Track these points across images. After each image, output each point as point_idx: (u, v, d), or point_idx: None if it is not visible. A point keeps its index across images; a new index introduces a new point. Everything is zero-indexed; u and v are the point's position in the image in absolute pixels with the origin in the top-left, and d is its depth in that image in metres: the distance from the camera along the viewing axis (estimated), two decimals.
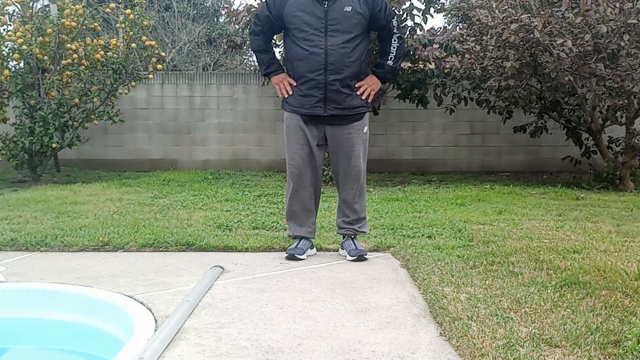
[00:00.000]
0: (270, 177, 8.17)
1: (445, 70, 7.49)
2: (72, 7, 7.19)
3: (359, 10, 3.16)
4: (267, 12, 3.28)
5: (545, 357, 1.85)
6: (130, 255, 3.42)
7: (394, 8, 7.00)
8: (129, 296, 2.53)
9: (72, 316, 2.52)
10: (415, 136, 9.29)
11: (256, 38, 3.36)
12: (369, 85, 3.28)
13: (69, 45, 7.21)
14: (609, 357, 1.85)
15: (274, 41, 8.24)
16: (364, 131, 3.32)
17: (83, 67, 7.44)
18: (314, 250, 3.46)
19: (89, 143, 8.68)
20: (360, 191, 3.38)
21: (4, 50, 7.00)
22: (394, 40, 3.29)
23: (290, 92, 3.28)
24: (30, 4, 7.25)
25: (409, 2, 7.22)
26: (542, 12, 6.49)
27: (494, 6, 6.64)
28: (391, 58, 3.30)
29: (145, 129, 9.33)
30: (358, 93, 3.25)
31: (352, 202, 3.37)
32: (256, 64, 14.64)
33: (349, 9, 3.14)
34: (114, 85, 7.53)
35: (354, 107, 3.25)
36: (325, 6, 3.15)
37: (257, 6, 7.41)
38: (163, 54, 8.32)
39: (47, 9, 9.91)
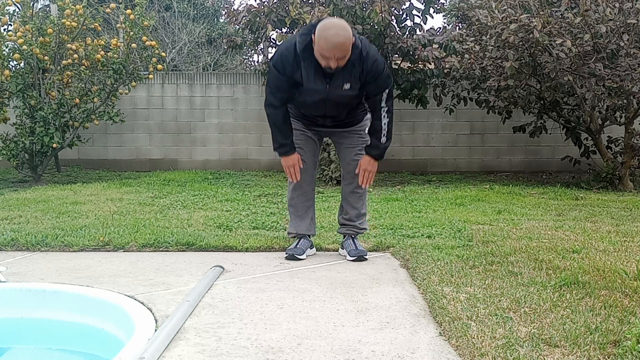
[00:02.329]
0: (270, 177, 8.18)
1: (445, 71, 7.50)
2: (73, 7, 7.19)
3: (356, 87, 3.09)
4: (281, 76, 3.06)
5: (545, 357, 1.86)
6: (130, 255, 3.43)
7: (393, 8, 7.02)
8: (129, 296, 2.54)
9: (73, 316, 2.52)
10: (414, 136, 9.29)
11: (276, 112, 3.15)
12: (366, 169, 3.24)
13: (69, 45, 7.22)
14: (609, 357, 1.85)
15: (273, 41, 8.28)
16: (366, 131, 3.33)
17: (83, 67, 7.45)
18: (314, 249, 3.47)
19: (89, 143, 8.70)
20: (363, 189, 3.40)
21: (4, 50, 7.01)
22: (384, 117, 3.15)
23: (299, 178, 3.26)
24: (31, 4, 7.25)
25: (408, 2, 7.24)
26: (541, 12, 6.49)
27: (494, 6, 6.65)
28: (384, 135, 3.18)
29: (146, 129, 9.34)
30: (359, 182, 3.27)
31: (352, 195, 3.38)
32: (256, 63, 14.68)
33: (347, 86, 3.06)
34: (115, 86, 7.53)
35: (354, 122, 3.32)
36: (327, 87, 3.06)
37: (257, 6, 7.42)
38: (163, 54, 8.32)
39: (48, 9, 9.92)
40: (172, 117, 9.33)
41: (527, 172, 9.16)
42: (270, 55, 11.22)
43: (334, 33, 2.84)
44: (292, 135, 3.23)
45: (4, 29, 7.18)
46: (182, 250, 3.54)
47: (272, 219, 4.48)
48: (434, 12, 7.56)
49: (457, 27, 9.89)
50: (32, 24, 7.01)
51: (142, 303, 2.44)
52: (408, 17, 7.39)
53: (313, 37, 2.92)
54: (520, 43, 6.51)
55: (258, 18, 7.30)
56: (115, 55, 7.46)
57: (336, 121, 3.28)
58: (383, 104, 3.14)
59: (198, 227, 4.11)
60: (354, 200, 3.40)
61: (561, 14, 6.58)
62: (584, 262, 3.04)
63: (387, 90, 3.12)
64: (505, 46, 6.61)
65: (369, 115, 3.32)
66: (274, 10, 7.20)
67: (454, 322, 2.14)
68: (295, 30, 7.21)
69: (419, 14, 7.33)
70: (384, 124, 3.16)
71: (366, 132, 3.32)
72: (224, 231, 3.99)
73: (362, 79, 3.03)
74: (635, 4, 6.23)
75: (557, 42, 6.17)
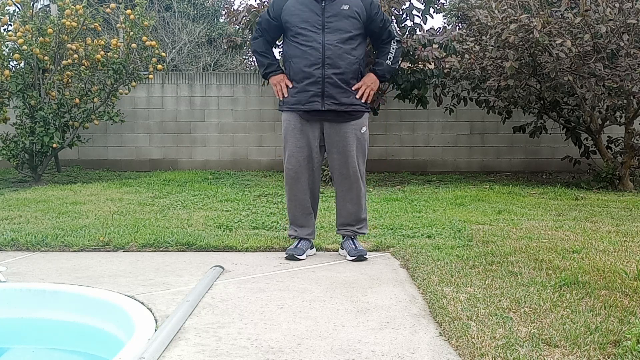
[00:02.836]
0: (270, 177, 8.18)
1: (445, 71, 7.49)
2: (73, 7, 7.19)
3: (356, 9, 3.19)
4: (266, 15, 3.34)
5: (545, 357, 1.86)
6: (130, 255, 3.43)
7: (393, 8, 7.02)
8: (129, 296, 2.54)
9: (73, 316, 2.52)
10: (414, 136, 9.29)
11: (256, 41, 3.38)
12: (367, 85, 3.27)
13: (69, 45, 7.22)
14: (609, 357, 1.85)
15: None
16: (362, 131, 3.30)
17: (83, 67, 7.45)
18: (314, 250, 3.47)
19: (89, 143, 8.70)
20: (358, 192, 3.36)
21: (4, 50, 7.01)
22: (393, 42, 3.33)
23: (286, 94, 3.29)
24: (31, 4, 7.25)
25: (408, 2, 7.23)
26: (541, 12, 6.49)
27: (494, 6, 6.65)
28: (390, 58, 3.31)
29: (146, 129, 9.34)
30: (357, 96, 3.25)
31: (351, 203, 3.37)
32: (256, 64, 14.70)
33: (346, 7, 3.17)
34: (115, 86, 7.54)
35: (352, 104, 3.24)
36: (323, 4, 3.18)
37: (257, 6, 7.42)
38: (163, 54, 8.32)
39: (48, 9, 9.92)
40: (172, 117, 9.33)
41: (527, 172, 9.17)
42: None
43: None
44: (276, 61, 3.35)
45: (4, 29, 7.18)
46: (182, 250, 3.54)
47: (272, 219, 4.48)
48: (434, 12, 7.56)
49: (457, 27, 9.89)
50: (32, 24, 7.01)
51: (142, 303, 2.44)
52: (408, 17, 7.39)
53: None
54: (520, 43, 6.51)
55: (258, 18, 7.30)
56: (115, 55, 7.47)
57: (336, 87, 3.18)
58: (394, 34, 3.33)
59: (198, 227, 4.11)
60: (351, 202, 3.36)
61: (561, 14, 6.59)
62: (584, 262, 3.04)
63: (392, 24, 3.40)
64: (505, 46, 6.61)
65: (367, 114, 3.32)
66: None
67: (454, 322, 2.14)
68: None
69: (419, 14, 7.33)
70: (392, 48, 3.32)
71: (363, 131, 3.30)
72: (224, 231, 3.99)
73: (367, 8, 3.21)
74: (635, 4, 6.23)
75: (557, 42, 6.17)
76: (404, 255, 3.30)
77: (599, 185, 6.93)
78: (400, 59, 3.35)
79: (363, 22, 3.22)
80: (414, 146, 9.31)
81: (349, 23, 3.18)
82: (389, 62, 3.32)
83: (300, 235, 3.40)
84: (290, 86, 3.28)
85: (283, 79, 3.30)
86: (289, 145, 3.31)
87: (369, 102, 3.32)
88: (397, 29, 7.35)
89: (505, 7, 6.57)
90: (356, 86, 3.25)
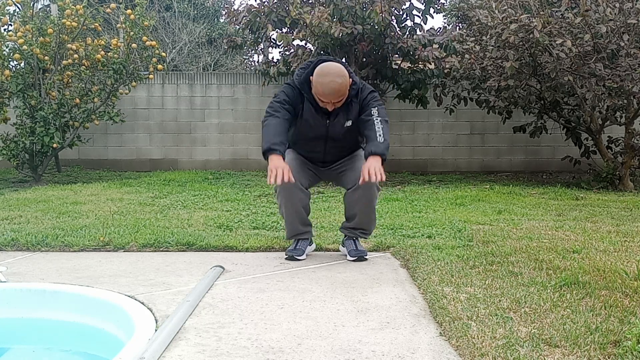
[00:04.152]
0: None
1: (445, 71, 7.50)
2: (73, 7, 7.20)
3: (356, 121, 3.11)
4: (284, 96, 3.10)
5: (545, 357, 1.85)
6: (130, 255, 3.43)
7: (393, 8, 7.02)
8: (129, 296, 2.54)
9: (73, 316, 2.52)
10: (415, 136, 9.30)
11: (270, 117, 3.06)
12: (373, 167, 2.93)
13: (69, 45, 7.22)
14: (609, 357, 1.85)
15: (273, 41, 8.28)
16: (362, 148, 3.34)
17: (84, 67, 7.45)
18: (313, 246, 3.47)
19: (89, 143, 8.70)
20: (375, 194, 3.23)
21: (4, 50, 7.01)
22: (377, 123, 3.04)
23: (279, 182, 2.94)
24: (31, 4, 7.26)
25: (409, 2, 7.24)
26: (541, 12, 6.49)
27: (494, 6, 6.65)
28: (380, 135, 3.02)
29: (146, 129, 9.34)
30: (366, 178, 2.93)
31: (361, 200, 3.22)
32: (256, 63, 14.68)
33: (349, 123, 3.09)
34: (115, 86, 7.54)
35: (351, 149, 3.34)
36: (327, 122, 3.12)
37: (257, 6, 7.42)
38: (163, 54, 8.33)
39: (48, 9, 9.92)
40: (172, 117, 9.34)
41: (528, 172, 9.17)
42: (270, 56, 11.26)
43: (330, 80, 2.90)
44: (285, 140, 3.04)
45: (5, 29, 7.18)
46: (183, 250, 3.54)
47: (272, 219, 4.48)
48: (434, 12, 7.57)
49: (458, 27, 9.90)
50: (33, 24, 7.01)
51: (142, 303, 2.44)
52: (408, 17, 7.39)
53: (311, 78, 2.96)
54: (521, 43, 6.51)
55: (258, 18, 7.30)
56: (115, 55, 7.47)
57: (335, 156, 3.32)
58: (375, 116, 3.06)
59: (198, 227, 4.11)
60: (362, 208, 3.24)
61: (561, 14, 6.59)
62: (584, 262, 3.04)
63: (377, 108, 3.08)
64: (505, 46, 6.62)
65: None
66: (274, 10, 7.21)
67: (454, 322, 2.14)
68: (296, 30, 7.22)
69: (419, 14, 7.34)
70: (379, 127, 3.03)
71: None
72: (224, 231, 3.99)
73: (360, 106, 3.10)
74: (636, 4, 6.23)
75: (557, 42, 6.17)
76: (404, 255, 3.30)
77: (599, 185, 6.93)
78: (388, 132, 3.14)
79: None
80: (414, 146, 9.31)
81: (349, 135, 3.19)
82: (380, 138, 3.02)
83: (299, 236, 3.37)
84: (290, 175, 2.98)
85: (284, 166, 2.92)
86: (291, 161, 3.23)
87: (382, 179, 2.97)
88: (398, 29, 7.36)
89: (506, 7, 6.57)
90: (361, 180, 3.01)
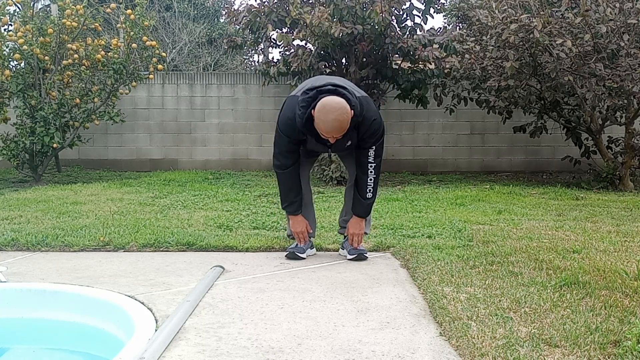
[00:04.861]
0: (271, 177, 8.18)
1: (445, 71, 7.50)
2: (73, 7, 7.19)
3: (356, 141, 3.12)
4: (284, 136, 3.13)
5: (545, 357, 1.85)
6: (130, 255, 3.43)
7: (394, 8, 7.02)
8: (129, 296, 2.54)
9: (73, 316, 2.52)
10: (415, 136, 9.29)
11: (285, 172, 3.20)
12: (356, 234, 3.28)
13: (69, 45, 7.22)
14: (609, 357, 1.85)
15: (273, 41, 8.28)
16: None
17: (84, 67, 7.45)
18: (314, 250, 3.47)
19: (89, 143, 8.70)
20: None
21: (5, 50, 7.01)
22: (371, 172, 3.16)
23: (306, 241, 3.34)
24: (31, 4, 7.26)
25: (409, 2, 7.24)
26: (541, 12, 6.49)
27: (494, 6, 6.65)
28: (369, 191, 3.20)
29: (146, 129, 9.34)
30: (350, 243, 3.30)
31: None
32: (256, 63, 14.69)
33: (349, 143, 3.11)
34: (115, 86, 7.54)
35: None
36: (329, 149, 3.16)
37: (257, 6, 7.42)
38: (164, 54, 8.32)
39: (48, 9, 9.93)
40: (172, 117, 9.34)
41: (528, 172, 9.17)
42: (270, 56, 11.25)
43: (332, 118, 2.87)
44: (301, 194, 3.28)
45: (5, 29, 7.18)
46: (183, 250, 3.54)
47: (272, 219, 4.48)
48: (434, 12, 7.56)
49: (458, 27, 9.90)
50: (33, 24, 7.01)
51: (142, 303, 2.44)
52: (408, 17, 7.39)
53: (312, 112, 2.93)
54: (521, 43, 6.51)
55: (258, 18, 7.30)
56: (115, 55, 7.47)
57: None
58: (371, 160, 3.14)
59: (198, 227, 4.11)
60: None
61: (561, 14, 6.59)
62: (584, 262, 3.04)
63: (375, 146, 3.13)
64: (505, 46, 6.62)
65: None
66: (275, 10, 7.21)
67: (454, 322, 2.14)
68: (296, 30, 7.22)
69: (419, 14, 7.34)
70: (370, 179, 3.17)
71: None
72: (224, 231, 3.99)
73: (361, 136, 3.09)
74: (636, 4, 6.23)
75: (557, 42, 6.17)
76: (404, 255, 3.30)
77: (599, 185, 6.93)
78: (378, 182, 3.21)
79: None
80: (414, 146, 9.31)
81: (350, 148, 3.20)
82: (369, 194, 3.19)
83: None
84: (311, 231, 3.38)
85: (306, 226, 3.31)
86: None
87: (359, 245, 3.32)
88: (398, 29, 7.36)
89: (506, 7, 6.57)
90: (347, 233, 3.32)
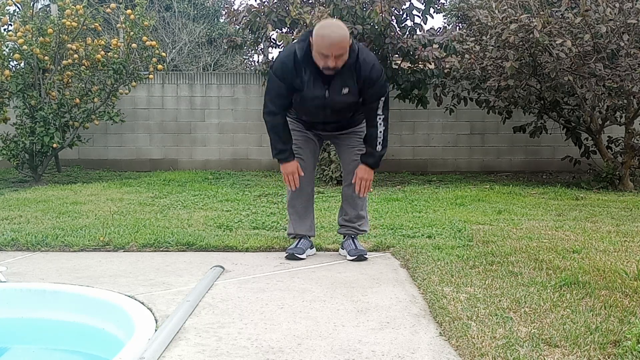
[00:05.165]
0: (271, 177, 8.18)
1: (445, 71, 7.50)
2: (73, 7, 7.19)
3: (354, 92, 3.10)
4: (277, 80, 3.10)
5: (545, 357, 1.86)
6: (130, 255, 3.43)
7: (394, 8, 7.02)
8: (129, 296, 2.54)
9: (73, 316, 2.52)
10: (415, 136, 9.29)
11: (274, 118, 3.17)
12: (364, 179, 3.23)
13: (69, 45, 7.22)
14: (609, 357, 1.85)
15: (273, 41, 8.27)
16: (362, 139, 3.34)
17: (84, 67, 7.45)
18: (314, 250, 3.47)
19: (89, 143, 8.70)
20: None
21: (4, 50, 7.01)
22: (380, 124, 3.16)
23: (298, 185, 3.24)
24: (31, 4, 7.25)
25: (409, 2, 7.24)
26: (541, 12, 6.49)
27: (494, 6, 6.65)
28: (379, 144, 3.19)
29: (146, 129, 9.34)
30: (356, 191, 3.26)
31: (353, 196, 3.36)
32: (256, 63, 14.69)
33: (345, 90, 3.08)
34: (115, 86, 7.54)
35: (352, 125, 3.33)
36: (326, 93, 3.08)
37: (257, 6, 7.42)
38: (163, 54, 8.33)
39: (48, 9, 9.92)
40: (172, 117, 9.33)
41: (528, 172, 9.16)
42: (270, 56, 11.25)
43: (331, 31, 2.90)
44: (292, 141, 3.23)
45: (4, 29, 7.18)
46: (183, 250, 3.54)
47: (272, 219, 4.48)
48: (434, 12, 7.56)
49: (457, 27, 9.91)
50: (33, 24, 7.01)
51: (142, 303, 2.44)
52: (408, 17, 7.39)
53: (311, 39, 2.96)
54: (521, 43, 6.51)
55: (258, 18, 7.30)
56: (115, 55, 7.47)
57: (336, 126, 3.32)
58: (379, 112, 3.15)
59: (198, 227, 4.11)
60: (353, 201, 3.40)
61: (561, 14, 6.59)
62: (584, 262, 3.04)
63: (383, 98, 3.14)
64: (505, 46, 6.61)
65: None
66: (274, 10, 7.21)
67: (454, 322, 2.14)
68: (296, 30, 7.21)
69: (419, 14, 7.33)
70: (380, 132, 3.17)
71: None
72: (224, 231, 3.99)
73: (360, 84, 3.06)
74: (636, 4, 6.23)
75: (557, 42, 6.17)
76: (404, 255, 3.30)
77: (599, 185, 6.93)
78: (388, 135, 3.24)
79: (359, 93, 3.13)
80: (414, 146, 9.31)
81: (348, 103, 3.14)
82: (379, 147, 3.19)
83: (298, 231, 3.39)
84: (303, 174, 3.27)
85: (297, 168, 3.22)
86: (294, 139, 3.32)
87: (367, 193, 3.31)
88: (398, 29, 7.36)
89: (506, 7, 6.57)
90: (353, 181, 3.26)
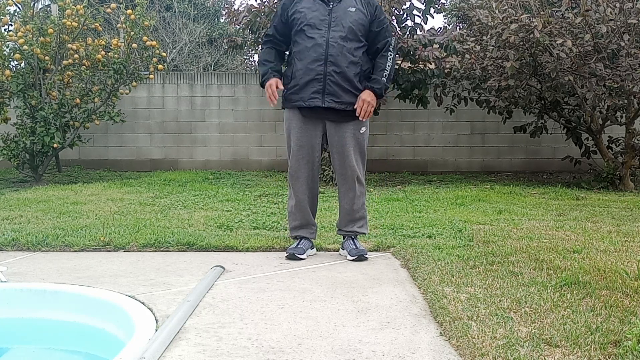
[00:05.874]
0: (271, 177, 8.18)
1: (445, 71, 7.49)
2: (73, 7, 7.19)
3: (362, 10, 3.24)
4: (279, 13, 3.36)
5: (545, 357, 1.85)
6: (131, 255, 3.43)
7: (394, 8, 7.02)
8: (129, 296, 2.54)
9: (73, 316, 2.52)
10: (415, 136, 9.29)
11: (263, 50, 3.46)
12: (367, 102, 3.22)
13: (70, 45, 7.22)
14: (609, 357, 1.85)
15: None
16: (361, 132, 3.32)
17: (84, 67, 7.45)
18: (314, 250, 3.47)
19: (90, 143, 8.70)
20: (356, 192, 3.36)
21: (5, 50, 7.01)
22: (390, 58, 3.29)
23: (276, 99, 3.31)
24: (32, 4, 7.26)
25: (409, 2, 7.23)
26: (542, 12, 6.49)
27: (494, 6, 6.65)
28: (385, 75, 3.27)
29: (146, 129, 9.34)
30: (357, 113, 3.24)
31: (350, 203, 3.38)
32: (257, 63, 14.68)
33: (352, 9, 3.22)
34: (115, 86, 7.54)
35: (352, 103, 3.25)
36: (330, 6, 3.23)
37: (258, 6, 7.42)
38: (164, 54, 8.32)
39: (48, 9, 9.93)
40: (172, 117, 9.34)
41: (528, 172, 9.16)
42: None
43: None
44: (273, 70, 3.38)
45: (5, 29, 7.18)
46: (183, 250, 3.54)
47: (272, 219, 4.48)
48: (434, 12, 7.56)
49: (458, 27, 9.90)
50: (33, 24, 7.01)
51: (142, 303, 2.44)
52: (408, 17, 7.39)
53: None
54: (521, 43, 6.51)
55: (258, 18, 7.30)
56: (115, 55, 7.47)
57: (337, 85, 3.20)
58: (391, 48, 3.29)
59: (199, 227, 4.11)
60: (350, 202, 3.37)
61: (562, 14, 6.58)
62: (585, 262, 3.04)
63: (393, 38, 3.33)
64: (505, 46, 6.61)
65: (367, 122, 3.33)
66: (275, 10, 7.20)
67: (454, 322, 2.14)
68: None
69: (420, 14, 7.33)
70: (388, 64, 3.28)
71: (362, 131, 3.32)
72: (224, 231, 3.99)
73: (372, 11, 3.25)
74: (636, 4, 6.23)
75: (557, 42, 6.17)
76: (404, 255, 3.30)
77: (599, 185, 6.93)
78: (394, 74, 3.33)
79: (368, 23, 3.25)
80: (414, 146, 9.30)
81: (354, 23, 3.21)
82: (384, 79, 3.27)
83: (301, 235, 3.40)
84: (281, 88, 3.33)
85: (274, 82, 3.32)
86: (291, 143, 3.36)
87: (367, 118, 3.31)
88: (398, 29, 7.35)
89: (506, 7, 6.57)
90: (357, 106, 3.24)
